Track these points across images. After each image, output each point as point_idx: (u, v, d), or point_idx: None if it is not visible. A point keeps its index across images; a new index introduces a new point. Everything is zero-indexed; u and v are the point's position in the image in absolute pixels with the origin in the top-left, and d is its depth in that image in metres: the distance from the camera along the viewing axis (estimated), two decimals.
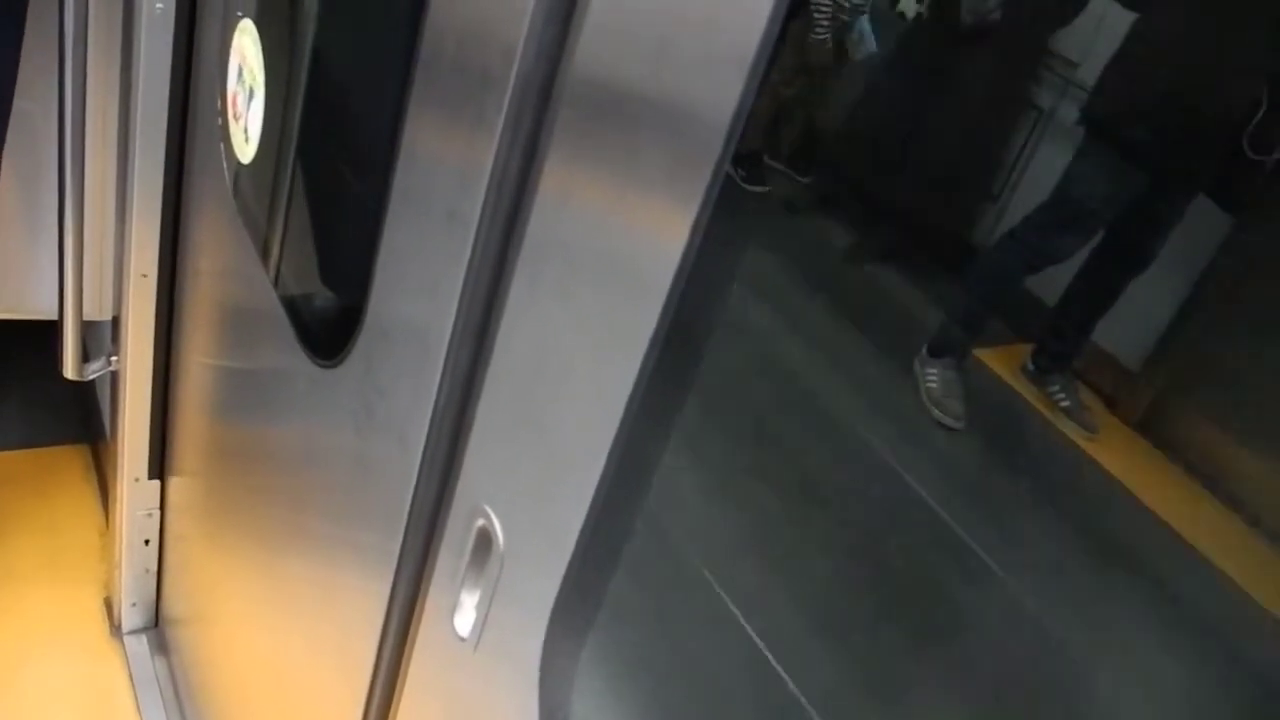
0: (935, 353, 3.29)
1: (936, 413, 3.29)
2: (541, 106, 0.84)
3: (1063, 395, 3.79)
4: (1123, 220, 3.34)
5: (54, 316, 1.95)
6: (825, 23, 3.87)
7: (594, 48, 0.79)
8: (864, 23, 3.99)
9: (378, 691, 1.21)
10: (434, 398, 0.98)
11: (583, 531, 0.84)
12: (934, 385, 3.29)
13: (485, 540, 0.95)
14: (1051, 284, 3.38)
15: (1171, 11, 2.97)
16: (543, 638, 0.90)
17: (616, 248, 0.79)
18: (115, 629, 2.26)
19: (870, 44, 3.96)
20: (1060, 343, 3.60)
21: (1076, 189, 3.51)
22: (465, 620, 1.00)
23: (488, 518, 0.93)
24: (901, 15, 3.57)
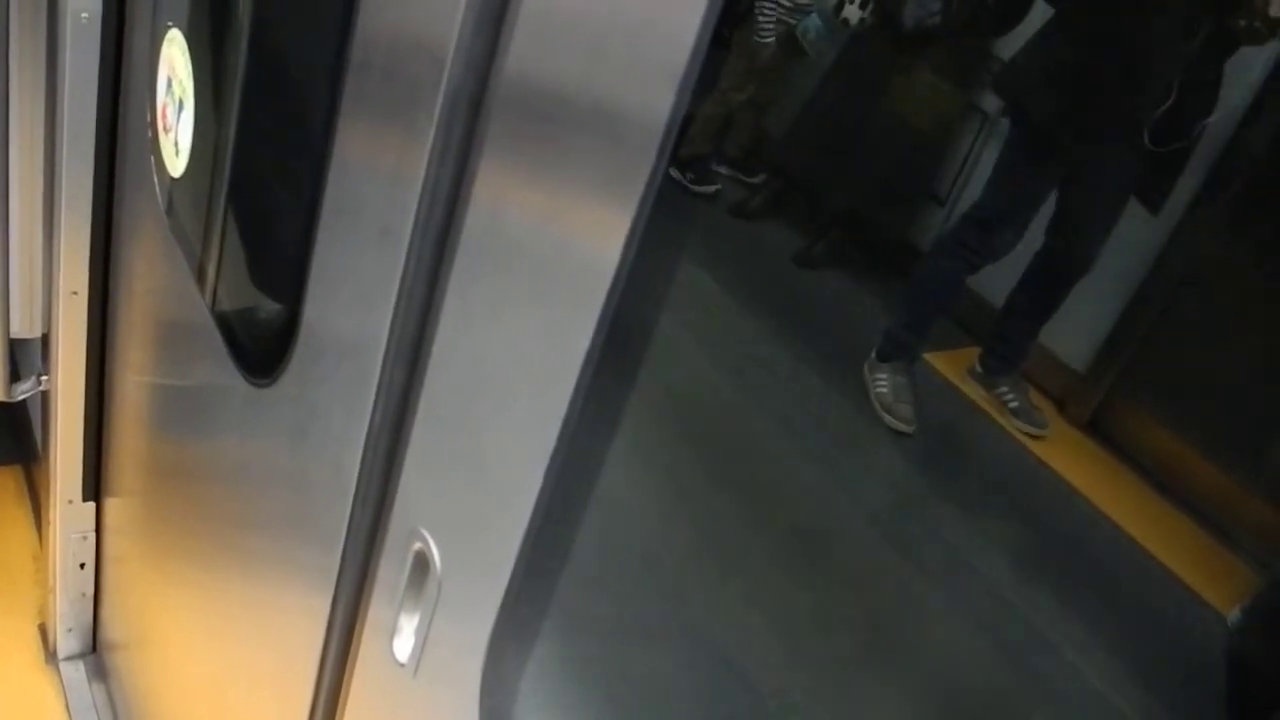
0: (884, 357, 3.32)
1: (888, 418, 3.31)
2: (472, 117, 0.82)
3: (1011, 396, 3.84)
4: (1058, 225, 3.40)
5: None
6: (769, 25, 3.90)
7: (524, 58, 0.77)
8: (814, 17, 4.00)
9: (318, 717, 1.18)
10: (368, 419, 0.96)
11: (520, 553, 0.82)
12: (884, 390, 3.31)
13: (422, 563, 0.92)
14: (998, 287, 3.42)
15: (1089, 3, 3.02)
16: (482, 661, 0.88)
17: (550, 261, 0.77)
18: (51, 655, 2.20)
19: (822, 35, 3.98)
20: (1007, 346, 3.65)
21: (1002, 182, 3.57)
22: (404, 645, 0.97)
23: (424, 541, 0.91)
24: (845, 22, 3.60)
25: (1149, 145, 2.78)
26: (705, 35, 0.63)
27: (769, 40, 3.84)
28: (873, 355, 3.21)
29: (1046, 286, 3.11)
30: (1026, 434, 3.18)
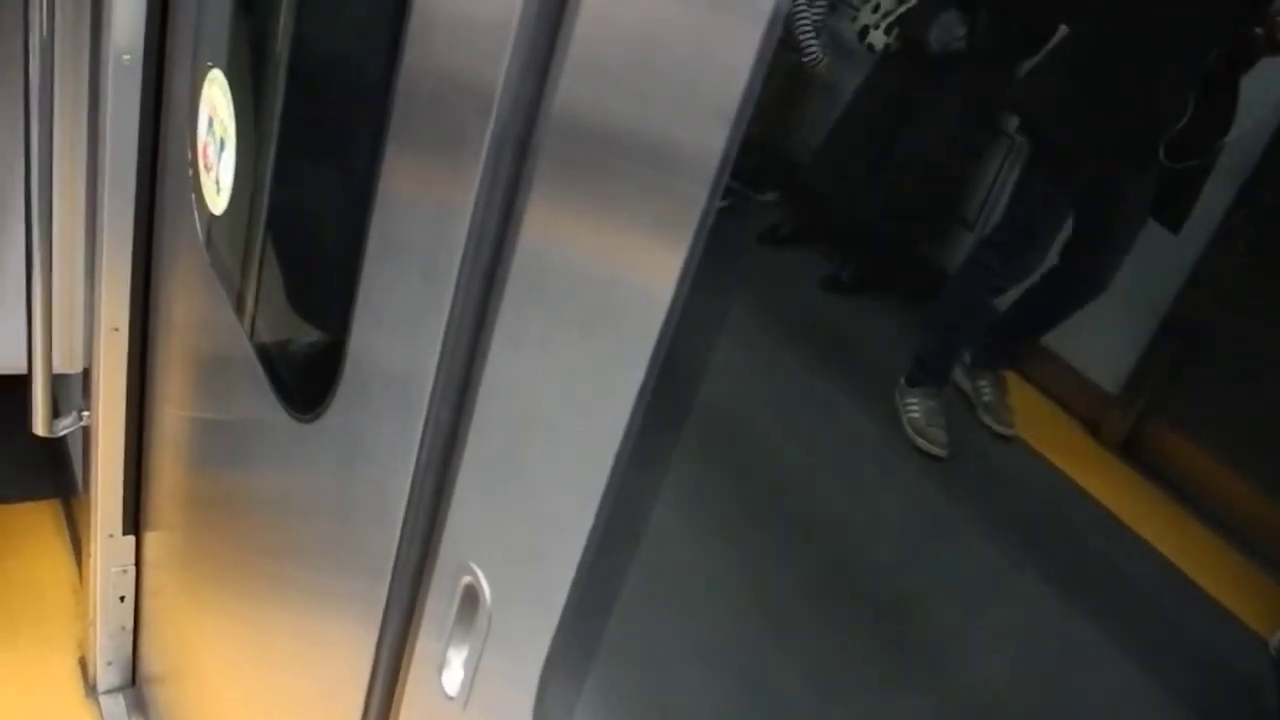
0: (914, 382, 3.30)
1: (921, 442, 3.29)
2: (520, 157, 0.83)
3: (988, 390, 3.81)
4: (1074, 246, 3.37)
5: (23, 370, 1.91)
6: (813, 41, 3.87)
7: (573, 98, 0.78)
8: (815, 49, 3.96)
9: None
10: (415, 453, 0.97)
11: (573, 588, 0.82)
12: (916, 415, 3.29)
13: (472, 597, 0.93)
14: (1011, 297, 3.38)
15: (1103, 20, 3.00)
16: (534, 697, 0.88)
17: (600, 300, 0.78)
18: (90, 689, 2.21)
19: (825, 60, 3.95)
20: (1000, 348, 3.62)
21: (1021, 202, 3.54)
22: (453, 678, 0.97)
23: (474, 575, 0.91)
24: (870, 47, 3.60)
25: (1165, 161, 2.76)
26: (759, 73, 0.64)
27: (815, 56, 3.81)
28: (903, 381, 3.19)
29: (1056, 304, 3.11)
30: (995, 432, 3.18)
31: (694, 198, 0.68)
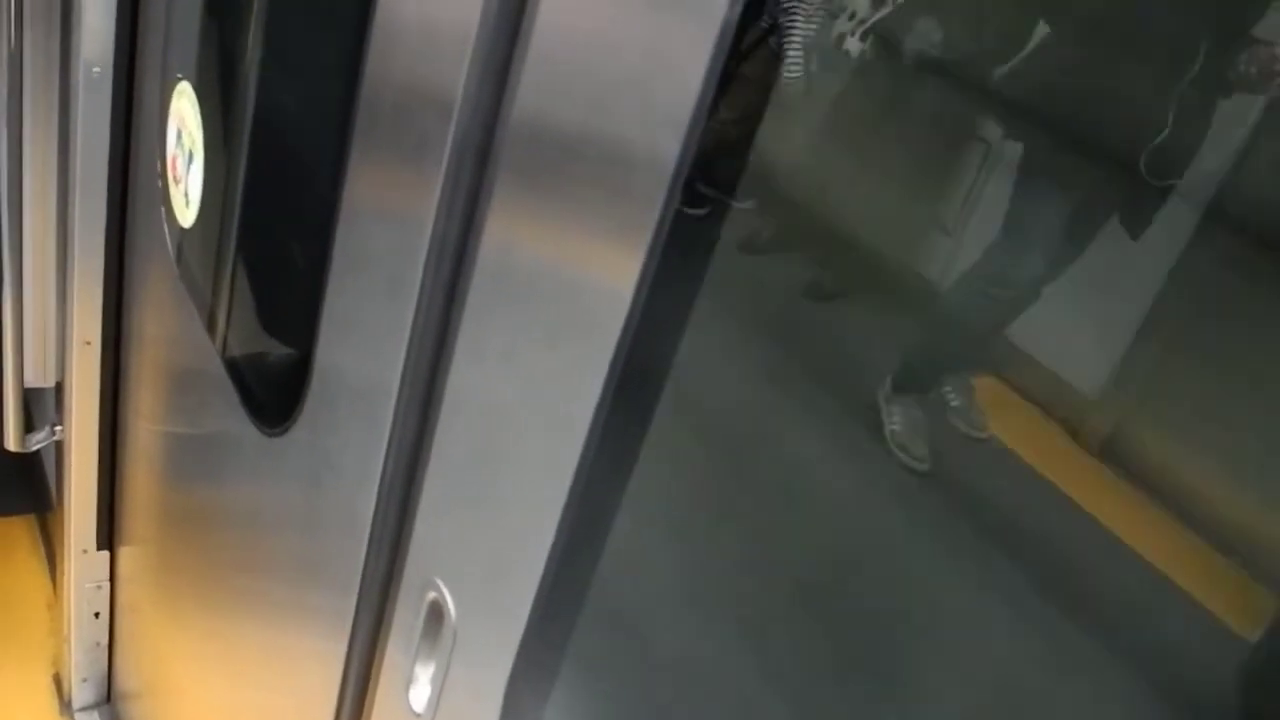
0: (900, 388, 3.28)
1: (901, 455, 3.28)
2: (480, 167, 0.83)
3: (953, 394, 3.82)
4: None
5: None
6: (798, 61, 3.88)
7: (530, 108, 0.78)
8: (797, 70, 3.98)
9: None
10: (381, 467, 0.96)
11: (536, 600, 0.82)
12: (897, 426, 3.28)
13: (437, 613, 0.92)
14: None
15: (1080, 23, 3.01)
16: (499, 709, 0.87)
17: (561, 307, 0.78)
18: (65, 705, 2.19)
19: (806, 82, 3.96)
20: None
21: (1008, 210, 3.55)
22: (420, 695, 0.96)
23: (439, 590, 0.91)
24: (846, 54, 3.61)
25: (1145, 176, 2.77)
26: (711, 82, 0.64)
27: (797, 77, 3.83)
28: (888, 386, 3.18)
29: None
30: (968, 434, 3.16)
31: (650, 205, 0.68)
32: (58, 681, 2.22)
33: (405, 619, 0.98)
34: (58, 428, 1.94)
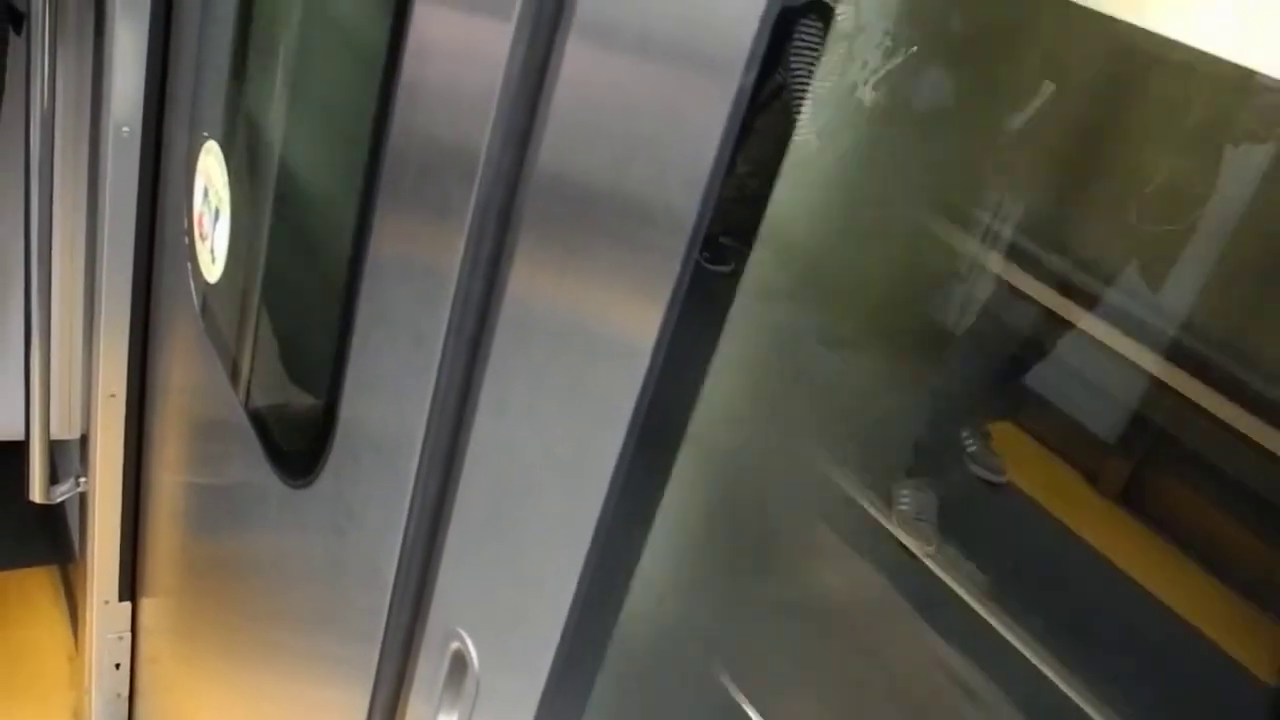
0: (912, 471, 3.23)
1: (905, 539, 3.22)
2: (502, 227, 0.85)
3: (971, 441, 3.76)
4: None
5: (20, 437, 1.92)
6: (808, 117, 3.93)
7: (552, 170, 0.80)
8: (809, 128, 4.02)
9: None
10: (404, 521, 0.97)
11: (559, 650, 0.83)
12: (905, 508, 3.24)
13: (460, 663, 0.93)
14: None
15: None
16: None
17: (581, 368, 0.79)
18: None
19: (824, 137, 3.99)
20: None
21: None
22: None
23: (462, 641, 0.92)
24: (860, 103, 3.65)
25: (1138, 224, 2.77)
26: (728, 144, 0.66)
27: (808, 137, 3.87)
28: (903, 471, 3.14)
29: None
30: (984, 480, 3.12)
31: (669, 261, 0.70)
32: None
33: (428, 669, 0.98)
34: (82, 479, 1.96)
